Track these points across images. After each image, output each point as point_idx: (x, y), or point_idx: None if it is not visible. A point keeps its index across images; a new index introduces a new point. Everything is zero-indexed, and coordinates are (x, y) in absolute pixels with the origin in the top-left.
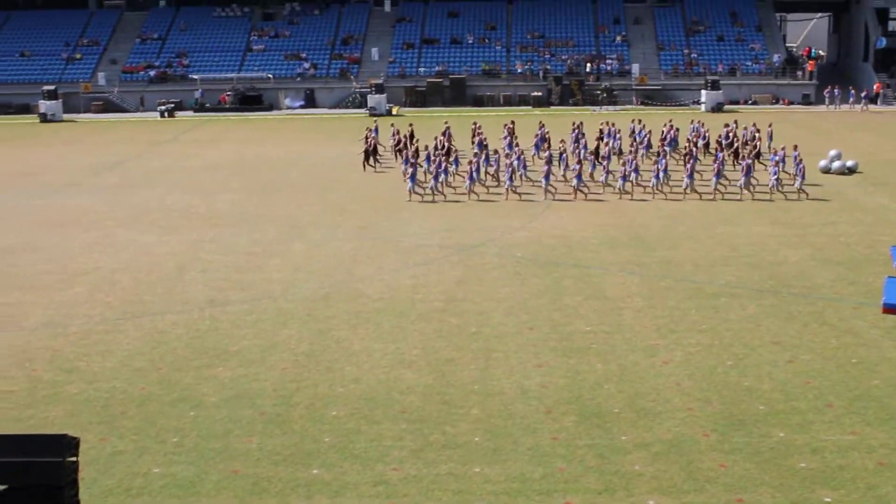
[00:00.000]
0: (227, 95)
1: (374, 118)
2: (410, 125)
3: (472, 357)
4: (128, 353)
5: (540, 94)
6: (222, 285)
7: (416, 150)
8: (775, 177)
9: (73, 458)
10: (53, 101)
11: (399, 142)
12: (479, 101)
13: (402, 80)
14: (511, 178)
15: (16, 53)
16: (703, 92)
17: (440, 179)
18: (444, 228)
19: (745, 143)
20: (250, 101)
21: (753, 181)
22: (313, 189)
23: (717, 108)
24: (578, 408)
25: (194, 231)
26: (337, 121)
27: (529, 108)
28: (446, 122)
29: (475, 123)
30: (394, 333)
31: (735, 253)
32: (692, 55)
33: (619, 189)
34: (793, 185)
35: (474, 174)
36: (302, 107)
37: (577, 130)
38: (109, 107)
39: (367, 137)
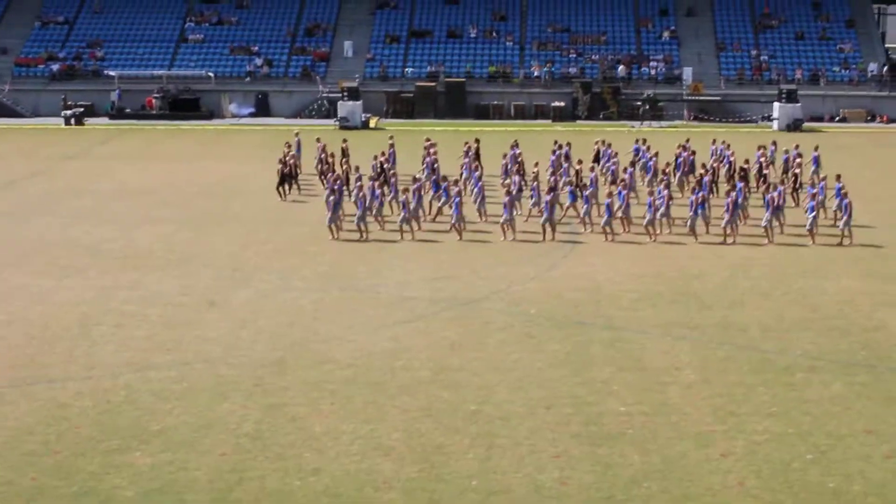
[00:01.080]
0: (154, 98)
1: (296, 133)
2: (345, 141)
3: (469, 443)
4: (15, 432)
5: (563, 104)
6: (142, 345)
7: (346, 174)
8: (813, 213)
9: None
10: None
11: (323, 161)
12: (482, 113)
13: (384, 84)
14: (458, 210)
15: None
16: (776, 105)
17: (369, 210)
18: (436, 276)
19: (785, 171)
20: (184, 106)
21: (781, 219)
22: (263, 223)
23: (795, 127)
24: None
25: (107, 274)
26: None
27: (549, 122)
28: (391, 137)
29: (427, 140)
30: (367, 411)
31: (816, 314)
32: (762, 57)
33: (604, 227)
34: (836, 224)
35: (412, 203)
36: (252, 115)
37: (558, 152)
38: None
39: (285, 156)
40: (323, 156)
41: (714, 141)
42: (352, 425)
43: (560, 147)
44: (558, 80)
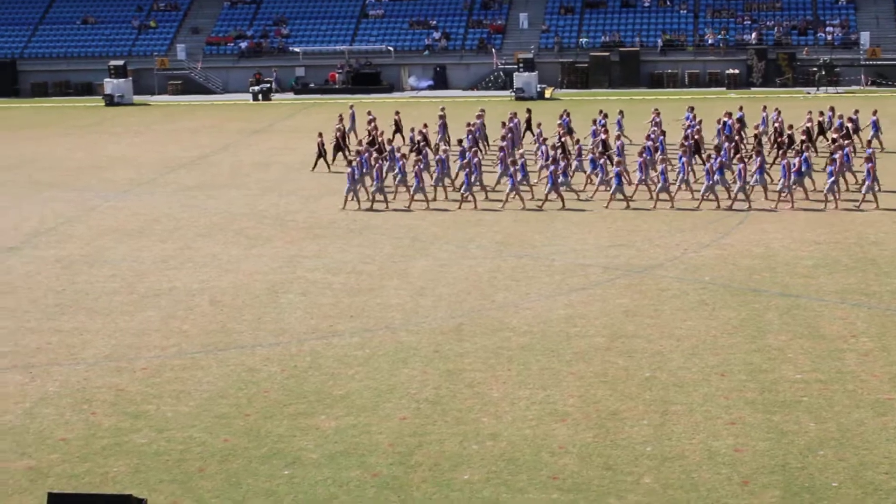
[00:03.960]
0: (337, 73)
1: (351, 105)
2: (397, 113)
3: (643, 410)
4: (208, 396)
5: (737, 71)
6: (327, 312)
7: (380, 146)
8: (832, 178)
9: None
10: (122, 80)
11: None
12: (657, 81)
13: (558, 55)
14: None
15: (77, 20)
16: None
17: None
18: (610, 244)
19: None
20: (365, 79)
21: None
22: (439, 193)
23: None
24: (784, 479)
25: (292, 244)
26: (474, 105)
27: (724, 89)
28: (442, 109)
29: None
30: (543, 377)
31: None
32: None
33: (613, 193)
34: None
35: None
36: (430, 87)
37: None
38: (190, 87)
39: (337, 128)
40: (372, 129)
41: (764, 108)
42: (528, 391)
43: (605, 117)
44: (732, 47)
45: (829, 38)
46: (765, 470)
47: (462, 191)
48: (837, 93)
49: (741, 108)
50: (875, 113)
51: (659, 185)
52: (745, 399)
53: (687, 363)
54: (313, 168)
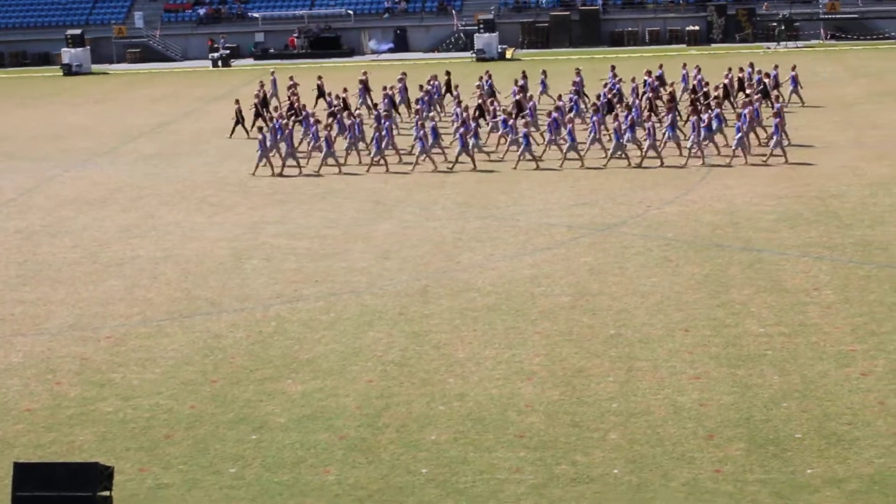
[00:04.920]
0: (296, 38)
1: (272, 71)
2: (319, 78)
3: (609, 367)
4: (173, 363)
5: (697, 28)
6: (291, 277)
7: (297, 111)
8: (740, 134)
9: (106, 493)
10: (80, 49)
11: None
12: (617, 40)
13: (519, 15)
14: (379, 146)
15: None
16: None
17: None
18: (574, 203)
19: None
20: (325, 44)
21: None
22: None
23: None
24: (749, 432)
25: (255, 210)
26: (434, 67)
27: (684, 46)
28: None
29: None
30: (509, 337)
31: None
32: None
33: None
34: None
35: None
36: (390, 50)
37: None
38: (148, 55)
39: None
40: (291, 94)
41: (684, 65)
42: (494, 351)
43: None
44: (693, 3)
45: None
46: (729, 423)
47: (372, 155)
48: (797, 47)
49: (661, 66)
50: (794, 69)
51: (567, 145)
52: (710, 354)
53: (651, 319)
54: (230, 135)
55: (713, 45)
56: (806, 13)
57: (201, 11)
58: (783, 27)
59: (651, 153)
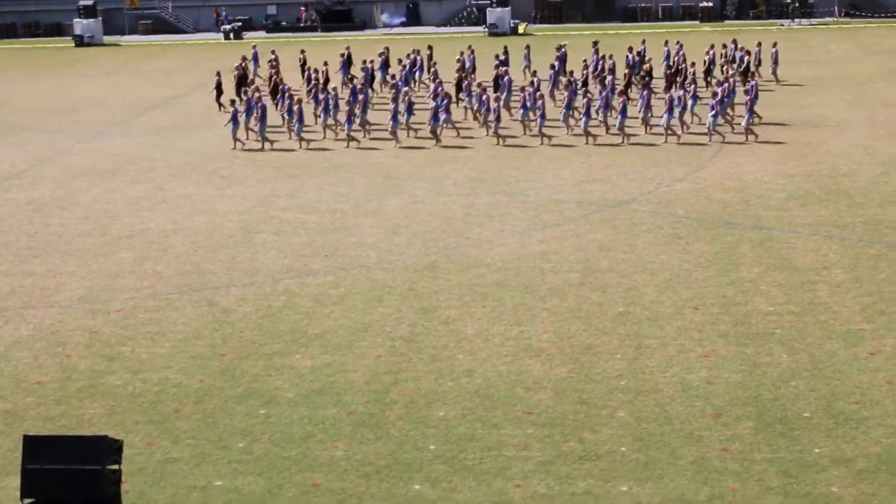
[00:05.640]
0: (306, 11)
1: (254, 45)
2: (302, 52)
3: (618, 344)
4: (183, 337)
5: (711, 4)
6: (301, 251)
7: (275, 85)
8: (713, 112)
9: (115, 466)
10: (91, 21)
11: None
12: (630, 16)
13: None
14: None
15: None
16: None
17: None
18: (585, 179)
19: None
20: (337, 17)
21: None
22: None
23: None
24: (757, 411)
25: (266, 183)
26: (447, 42)
27: (697, 22)
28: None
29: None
30: (518, 313)
31: None
32: None
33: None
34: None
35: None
36: (402, 24)
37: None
38: (160, 26)
39: (240, 66)
40: (270, 69)
41: (666, 42)
42: (503, 327)
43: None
44: None
45: None
46: (738, 402)
47: (346, 129)
48: (811, 24)
49: (643, 42)
50: (774, 45)
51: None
52: (718, 332)
53: (660, 297)
54: (220, 108)
55: (726, 22)
56: None
57: None
58: (797, 4)
59: (614, 130)
